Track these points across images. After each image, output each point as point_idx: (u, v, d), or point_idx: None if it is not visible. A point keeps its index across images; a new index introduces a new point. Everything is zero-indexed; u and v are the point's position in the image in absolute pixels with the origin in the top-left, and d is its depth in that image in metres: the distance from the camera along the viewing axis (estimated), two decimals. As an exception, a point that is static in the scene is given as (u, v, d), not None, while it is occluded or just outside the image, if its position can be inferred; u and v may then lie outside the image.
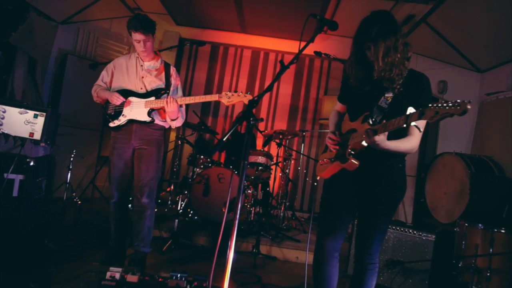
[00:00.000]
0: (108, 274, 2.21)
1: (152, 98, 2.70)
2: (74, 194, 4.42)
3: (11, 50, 4.31)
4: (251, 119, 1.47)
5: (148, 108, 2.69)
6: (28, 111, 2.45)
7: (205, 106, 6.14)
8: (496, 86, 4.46)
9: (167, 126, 2.89)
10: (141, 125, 2.73)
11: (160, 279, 2.26)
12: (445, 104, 1.44)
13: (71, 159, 4.13)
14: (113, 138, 2.80)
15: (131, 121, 2.72)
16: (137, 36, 2.63)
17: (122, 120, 2.72)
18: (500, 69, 4.46)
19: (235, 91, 2.51)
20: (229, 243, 1.62)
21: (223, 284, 1.59)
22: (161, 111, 2.79)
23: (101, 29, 5.39)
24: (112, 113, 2.74)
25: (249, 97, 2.49)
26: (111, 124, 2.74)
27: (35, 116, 2.47)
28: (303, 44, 1.87)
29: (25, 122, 2.45)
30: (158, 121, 2.78)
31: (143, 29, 2.59)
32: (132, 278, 2.21)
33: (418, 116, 1.54)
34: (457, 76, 5.00)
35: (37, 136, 2.47)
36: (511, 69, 4.29)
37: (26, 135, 2.44)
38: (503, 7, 3.64)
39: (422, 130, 1.86)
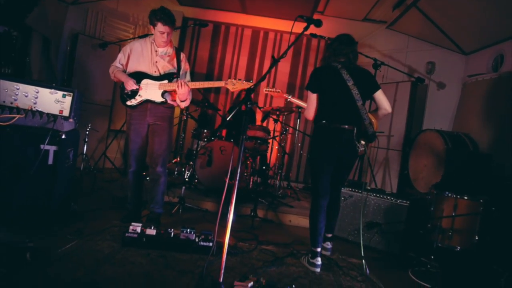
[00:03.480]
0: (131, 228, 2.68)
1: (165, 81, 3.08)
2: (90, 164, 4.86)
3: (27, 31, 4.63)
4: (248, 103, 1.87)
5: (162, 90, 3.08)
6: (57, 91, 2.84)
7: (208, 83, 6.49)
8: (479, 68, 4.80)
9: (176, 105, 3.28)
10: (155, 104, 3.12)
11: (173, 233, 2.72)
12: None
13: (87, 132, 4.55)
14: (130, 115, 3.20)
15: (146, 101, 3.11)
16: (163, 29, 2.99)
17: (138, 99, 3.10)
18: (483, 52, 4.78)
19: (239, 79, 2.91)
20: (230, 207, 2.05)
21: (225, 237, 2.03)
22: (172, 92, 3.18)
23: (108, 9, 5.67)
24: (129, 93, 3.12)
25: (251, 84, 2.89)
26: (128, 103, 3.13)
27: (64, 96, 2.86)
28: (294, 36, 2.26)
29: (55, 101, 2.84)
30: (169, 101, 3.18)
31: (171, 24, 2.98)
32: (150, 231, 2.68)
33: None
34: (444, 58, 5.33)
35: (66, 113, 2.86)
36: (492, 53, 4.63)
37: (57, 112, 2.84)
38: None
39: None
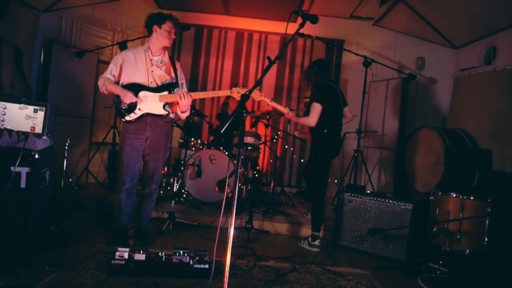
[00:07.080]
0: (117, 254, 2.42)
1: (165, 93, 2.88)
2: (70, 180, 4.56)
3: (-4, 42, 4.30)
4: (244, 111, 1.65)
5: (163, 102, 2.88)
6: (28, 106, 2.56)
7: (193, 89, 6.24)
8: (470, 62, 4.69)
9: (173, 117, 3.09)
10: (155, 118, 2.92)
11: (165, 256, 2.48)
12: None
13: (66, 147, 4.25)
14: (125, 129, 2.94)
15: (146, 115, 2.89)
16: (172, 27, 2.94)
17: (138, 113, 2.87)
18: (474, 45, 4.68)
19: (244, 87, 2.76)
20: (230, 221, 1.81)
21: (225, 257, 1.79)
22: (174, 104, 2.98)
23: (84, 15, 5.36)
24: (126, 107, 2.87)
25: (257, 92, 2.74)
26: (128, 118, 2.87)
27: (35, 111, 2.58)
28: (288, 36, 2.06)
29: (25, 117, 2.56)
30: (170, 114, 3.00)
31: (177, 21, 2.97)
32: (139, 256, 2.43)
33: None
34: (434, 53, 5.21)
35: (39, 129, 2.58)
36: (483, 46, 4.52)
37: (28, 129, 2.56)
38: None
39: (310, 113, 3.43)
